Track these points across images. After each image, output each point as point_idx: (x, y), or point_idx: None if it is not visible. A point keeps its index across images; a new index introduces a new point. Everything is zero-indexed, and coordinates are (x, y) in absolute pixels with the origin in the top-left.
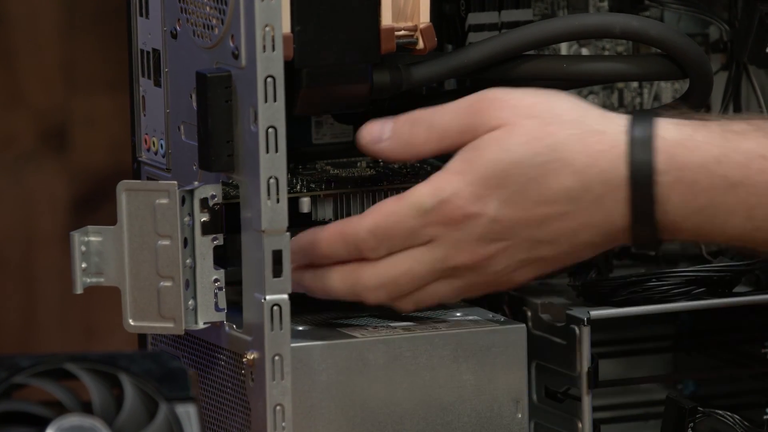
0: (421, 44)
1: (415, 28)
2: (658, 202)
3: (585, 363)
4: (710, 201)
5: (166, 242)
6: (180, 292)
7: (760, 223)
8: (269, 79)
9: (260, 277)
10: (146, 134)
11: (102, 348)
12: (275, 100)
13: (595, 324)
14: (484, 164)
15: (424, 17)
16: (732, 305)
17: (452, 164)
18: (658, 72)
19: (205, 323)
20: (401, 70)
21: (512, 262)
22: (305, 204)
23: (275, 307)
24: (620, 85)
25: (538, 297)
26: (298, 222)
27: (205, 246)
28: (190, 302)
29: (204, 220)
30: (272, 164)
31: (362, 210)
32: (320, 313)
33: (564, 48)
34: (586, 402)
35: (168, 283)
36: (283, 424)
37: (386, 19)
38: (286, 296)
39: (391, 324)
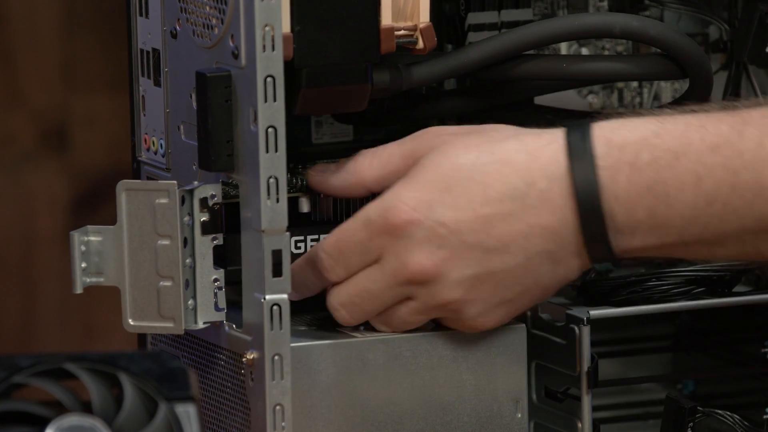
0: (420, 44)
1: (414, 28)
2: (605, 187)
3: (585, 363)
4: (657, 175)
5: (166, 242)
6: (180, 291)
7: (711, 194)
8: (269, 79)
9: (260, 276)
10: (146, 134)
11: (102, 348)
12: (275, 100)
13: (595, 324)
14: (426, 172)
15: (424, 17)
16: (732, 305)
17: (399, 181)
18: (658, 72)
19: (204, 323)
20: (401, 69)
21: (463, 277)
22: (305, 204)
23: (275, 307)
24: (620, 85)
25: None
26: (298, 222)
27: (205, 246)
28: (189, 302)
29: (204, 220)
30: (272, 164)
31: None
32: (320, 313)
33: (564, 48)
34: (586, 402)
35: (168, 283)
36: (283, 423)
37: (386, 18)
38: (285, 296)
39: None
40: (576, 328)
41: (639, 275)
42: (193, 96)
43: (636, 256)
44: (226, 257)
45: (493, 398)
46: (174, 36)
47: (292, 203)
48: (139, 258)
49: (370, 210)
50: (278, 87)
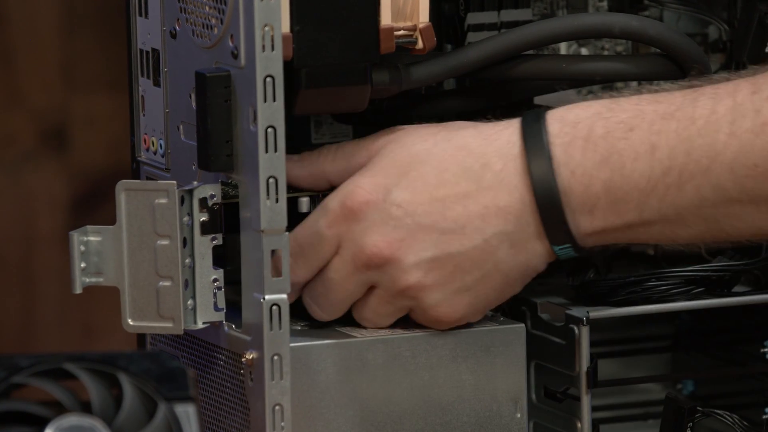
0: (420, 44)
1: (414, 28)
2: (559, 162)
3: (584, 363)
4: (611, 147)
5: (165, 242)
6: (179, 291)
7: (666, 162)
8: (268, 79)
9: (259, 276)
10: (145, 134)
11: (101, 348)
12: (274, 100)
13: (595, 324)
14: (382, 159)
15: (424, 17)
16: (731, 305)
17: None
18: (658, 72)
19: (204, 323)
20: (400, 69)
21: (421, 260)
22: (304, 204)
23: (274, 307)
24: (620, 85)
25: (538, 296)
26: (298, 222)
27: (204, 246)
28: (189, 302)
29: (203, 220)
30: (271, 164)
31: None
32: None
33: (563, 48)
34: (585, 402)
35: (167, 283)
36: (282, 423)
37: (385, 18)
38: (285, 296)
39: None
40: (575, 328)
41: (638, 275)
42: (193, 96)
43: (599, 243)
44: (226, 257)
45: (492, 398)
46: (173, 36)
47: (292, 203)
48: (139, 258)
49: (328, 199)
50: (278, 87)
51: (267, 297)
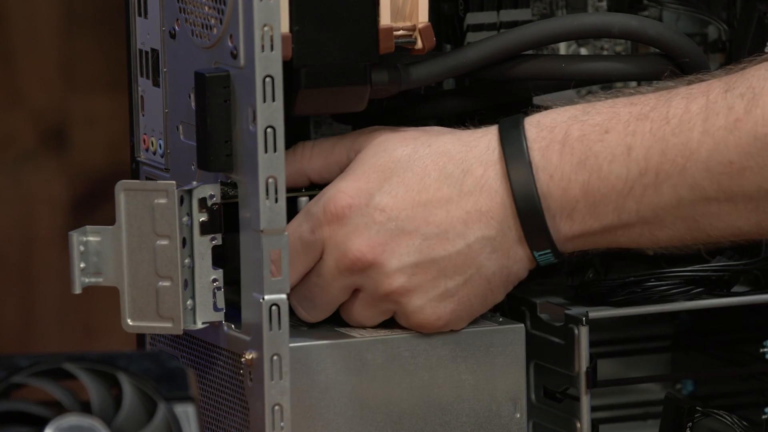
0: (419, 44)
1: (413, 28)
2: (538, 167)
3: (583, 363)
4: (588, 150)
5: (165, 242)
6: (178, 291)
7: (642, 163)
8: (268, 79)
9: (259, 276)
10: (145, 134)
11: (101, 348)
12: (274, 100)
13: (594, 324)
14: (363, 164)
15: (423, 17)
16: (731, 305)
17: (339, 176)
18: (657, 72)
19: (203, 323)
20: (400, 69)
21: (404, 265)
22: (304, 204)
23: (274, 307)
24: (619, 85)
25: (537, 296)
26: None
27: (204, 246)
28: (188, 302)
29: (202, 220)
30: (271, 164)
31: None
32: None
33: (563, 48)
34: (585, 402)
35: (166, 283)
36: (282, 424)
37: (385, 18)
38: (284, 296)
39: (390, 323)
40: (575, 328)
41: (637, 275)
42: (192, 96)
43: (579, 248)
44: (225, 257)
45: (491, 398)
46: (173, 36)
47: (291, 203)
48: (138, 258)
49: (311, 204)
50: (277, 87)
51: (266, 297)
